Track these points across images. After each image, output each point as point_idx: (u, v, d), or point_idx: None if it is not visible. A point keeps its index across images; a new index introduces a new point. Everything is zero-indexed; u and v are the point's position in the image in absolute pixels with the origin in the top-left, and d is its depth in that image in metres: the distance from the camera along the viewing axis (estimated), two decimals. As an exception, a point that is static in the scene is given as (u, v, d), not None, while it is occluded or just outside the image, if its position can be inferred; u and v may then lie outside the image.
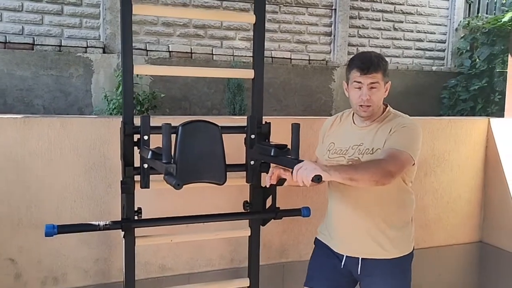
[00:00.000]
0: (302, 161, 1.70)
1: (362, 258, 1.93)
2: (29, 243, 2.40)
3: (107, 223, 1.99)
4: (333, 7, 5.31)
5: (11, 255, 2.38)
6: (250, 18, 2.35)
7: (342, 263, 2.00)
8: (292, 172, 1.67)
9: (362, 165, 1.73)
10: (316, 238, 2.19)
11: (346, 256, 1.98)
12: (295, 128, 1.82)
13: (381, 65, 1.87)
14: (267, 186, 1.99)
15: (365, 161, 1.80)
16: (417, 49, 5.79)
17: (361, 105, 1.88)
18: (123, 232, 2.07)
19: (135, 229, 2.09)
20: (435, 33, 5.84)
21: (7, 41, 4.18)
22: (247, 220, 2.41)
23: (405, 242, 1.94)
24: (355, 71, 1.88)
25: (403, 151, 1.77)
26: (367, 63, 1.85)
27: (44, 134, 2.40)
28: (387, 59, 5.61)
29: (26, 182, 2.37)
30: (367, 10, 5.49)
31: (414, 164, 1.86)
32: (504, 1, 6.08)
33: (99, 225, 1.97)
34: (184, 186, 1.81)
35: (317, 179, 1.66)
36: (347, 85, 1.96)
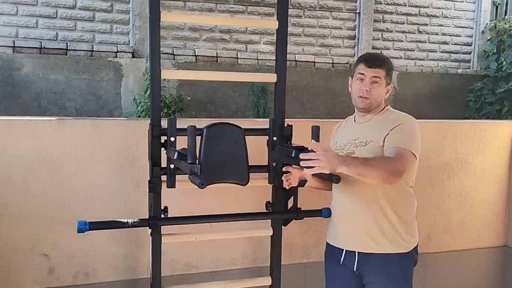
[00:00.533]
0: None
1: (358, 252, 1.97)
2: (62, 240, 2.52)
3: (135, 220, 2.08)
4: (357, 11, 5.32)
5: (45, 251, 2.51)
6: (273, 24, 2.42)
7: (341, 259, 2.03)
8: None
9: (372, 162, 1.76)
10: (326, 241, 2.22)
11: (346, 251, 2.02)
12: (315, 130, 1.88)
13: (386, 63, 1.97)
14: (286, 188, 2.05)
15: (375, 158, 1.84)
16: (442, 51, 5.73)
17: (360, 96, 1.98)
18: (150, 230, 2.16)
19: (162, 227, 2.18)
20: (460, 36, 5.77)
21: (42, 47, 4.37)
22: (269, 220, 2.48)
23: (402, 240, 1.95)
24: (361, 64, 1.99)
25: (407, 150, 1.83)
26: (373, 57, 1.99)
27: (76, 135, 2.52)
28: (412, 61, 5.61)
29: (60, 181, 2.50)
30: (391, 13, 5.48)
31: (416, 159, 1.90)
32: (533, 3, 5.98)
33: (127, 222, 2.06)
34: (208, 186, 1.89)
35: (336, 179, 1.72)
36: (351, 79, 2.06)
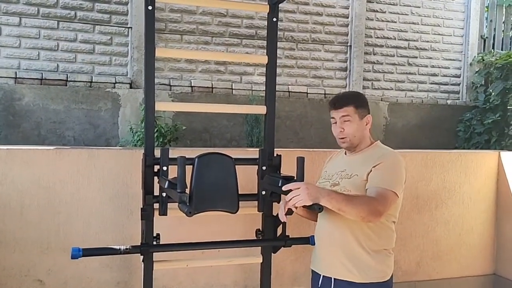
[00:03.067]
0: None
1: (334, 279, 2.01)
2: (56, 266, 2.56)
3: (127, 247, 2.13)
4: (348, 44, 5.47)
5: (40, 277, 2.55)
6: (262, 59, 2.55)
7: (319, 284, 2.08)
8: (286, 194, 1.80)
9: (354, 200, 1.83)
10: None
11: (323, 276, 2.06)
12: (300, 161, 1.96)
13: (351, 100, 2.04)
14: (283, 220, 2.05)
15: (357, 195, 1.91)
16: (431, 83, 5.86)
17: (339, 138, 2.07)
18: (142, 257, 2.21)
19: (154, 253, 2.23)
20: (449, 68, 5.92)
21: (43, 78, 4.50)
22: (259, 248, 2.53)
23: (375, 270, 1.97)
24: (330, 108, 2.09)
25: (389, 190, 1.88)
26: (338, 99, 2.08)
27: (73, 164, 2.60)
28: (402, 93, 5.71)
29: (56, 208, 2.57)
30: (381, 46, 5.64)
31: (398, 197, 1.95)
32: (520, 37, 6.17)
33: (120, 249, 2.11)
34: (200, 214, 1.96)
35: (318, 208, 1.79)
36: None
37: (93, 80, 4.61)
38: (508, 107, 4.97)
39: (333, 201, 1.77)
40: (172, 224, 2.53)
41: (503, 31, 6.15)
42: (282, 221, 2.00)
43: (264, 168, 2.38)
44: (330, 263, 2.04)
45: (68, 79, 4.55)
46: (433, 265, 3.47)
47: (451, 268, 3.51)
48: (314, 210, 1.81)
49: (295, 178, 2.03)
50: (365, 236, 1.97)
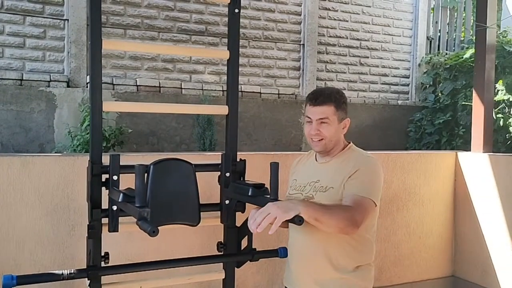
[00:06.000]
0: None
1: None
2: (-18, 294, 2.20)
3: (72, 271, 1.83)
4: (301, 42, 5.35)
5: (-39, 308, 2.17)
6: (224, 54, 2.32)
7: None
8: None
9: (331, 210, 1.66)
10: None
11: None
12: (274, 167, 1.75)
13: (333, 98, 1.85)
14: (254, 232, 1.82)
15: (334, 205, 1.74)
16: (382, 83, 5.89)
17: (312, 140, 1.88)
18: (88, 281, 1.92)
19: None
20: (399, 68, 5.98)
21: (-36, 75, 3.98)
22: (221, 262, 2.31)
23: (356, 285, 1.84)
24: (307, 104, 1.89)
25: (366, 198, 1.73)
26: (317, 94, 1.87)
27: (3, 175, 2.26)
28: (355, 93, 5.67)
29: (-19, 227, 2.20)
30: (334, 45, 5.57)
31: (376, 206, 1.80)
32: (462, 39, 6.34)
33: (63, 274, 1.80)
34: (154, 228, 1.70)
35: (299, 220, 1.59)
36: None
37: (23, 78, 4.14)
38: (462, 105, 5.03)
39: (309, 211, 1.58)
40: (121, 240, 2.28)
41: (447, 32, 6.30)
42: (254, 233, 1.78)
43: (227, 174, 2.16)
44: (309, 283, 1.85)
45: (-6, 77, 4.05)
46: (395, 270, 3.40)
47: (411, 272, 3.47)
48: (294, 223, 1.61)
49: (266, 186, 1.83)
50: (346, 254, 1.81)
